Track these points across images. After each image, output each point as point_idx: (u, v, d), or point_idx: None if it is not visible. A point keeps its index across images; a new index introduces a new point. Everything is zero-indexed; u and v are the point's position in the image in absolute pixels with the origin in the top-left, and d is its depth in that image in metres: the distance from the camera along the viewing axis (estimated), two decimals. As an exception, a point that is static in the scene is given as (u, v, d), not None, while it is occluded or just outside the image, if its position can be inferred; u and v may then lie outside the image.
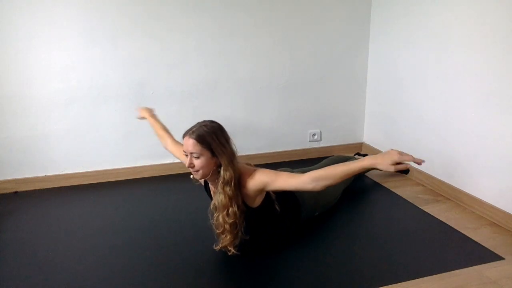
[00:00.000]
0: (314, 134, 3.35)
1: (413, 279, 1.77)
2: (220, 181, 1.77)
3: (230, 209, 1.79)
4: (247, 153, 3.22)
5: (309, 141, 3.37)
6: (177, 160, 3.06)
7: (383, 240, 2.10)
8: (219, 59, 2.97)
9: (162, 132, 2.26)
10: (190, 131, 1.77)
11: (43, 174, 2.83)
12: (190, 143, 1.74)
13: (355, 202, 2.54)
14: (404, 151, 2.91)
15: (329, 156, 2.97)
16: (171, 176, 3.03)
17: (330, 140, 3.41)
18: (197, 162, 1.76)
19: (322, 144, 3.40)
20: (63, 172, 2.87)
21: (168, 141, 2.20)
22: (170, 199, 2.67)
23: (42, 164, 2.82)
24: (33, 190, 2.81)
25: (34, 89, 2.68)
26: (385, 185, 2.78)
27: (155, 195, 2.73)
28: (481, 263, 1.87)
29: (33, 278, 1.84)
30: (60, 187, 2.85)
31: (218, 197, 1.79)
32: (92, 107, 2.82)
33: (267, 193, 1.89)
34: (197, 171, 1.79)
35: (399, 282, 1.76)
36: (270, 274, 1.85)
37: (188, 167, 1.78)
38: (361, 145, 3.49)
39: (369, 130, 3.43)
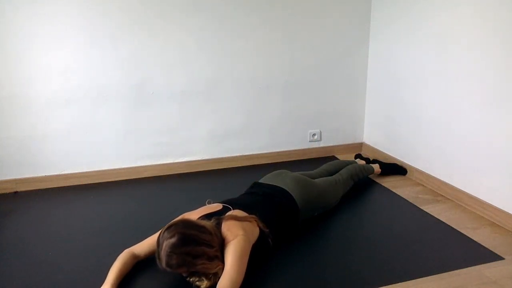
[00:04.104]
0: (314, 134, 3.35)
1: (413, 279, 1.78)
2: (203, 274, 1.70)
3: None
4: (247, 153, 3.23)
5: (309, 141, 3.37)
6: (177, 160, 3.09)
7: (383, 240, 2.10)
8: (220, 59, 2.97)
9: (130, 260, 1.84)
10: (162, 263, 1.64)
11: (43, 174, 2.84)
12: (172, 271, 1.67)
13: (354, 202, 2.54)
14: (404, 151, 2.95)
15: (329, 160, 2.96)
16: (171, 176, 3.04)
17: (330, 140, 3.41)
18: (192, 270, 1.69)
19: (322, 144, 3.40)
20: (63, 172, 2.87)
21: (140, 251, 1.87)
22: (170, 199, 2.67)
23: (42, 164, 2.82)
24: (33, 190, 2.81)
25: (34, 89, 2.68)
26: (385, 185, 2.78)
27: (155, 195, 2.73)
28: (481, 263, 1.87)
29: (33, 278, 1.84)
30: (60, 187, 2.85)
31: (200, 283, 1.71)
32: (92, 107, 2.82)
33: (261, 231, 1.87)
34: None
35: (399, 282, 1.76)
36: (269, 274, 1.85)
37: (189, 276, 1.74)
38: (361, 145, 3.49)
39: (369, 130, 3.43)
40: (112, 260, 1.79)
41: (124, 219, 2.40)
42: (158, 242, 1.67)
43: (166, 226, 1.69)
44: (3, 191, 2.77)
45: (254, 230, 1.85)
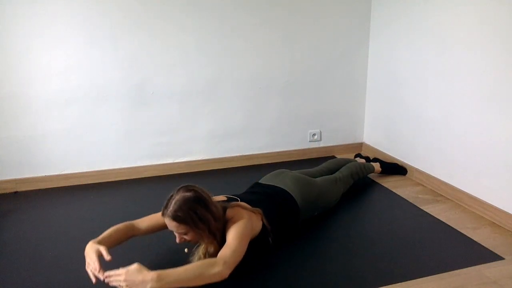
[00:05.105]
0: (314, 134, 3.35)
1: (413, 279, 1.78)
2: (203, 248, 1.72)
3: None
4: (247, 153, 3.23)
5: (309, 141, 3.37)
6: (177, 160, 3.09)
7: (383, 240, 2.10)
8: (220, 59, 2.97)
9: (125, 229, 1.85)
10: (168, 211, 1.66)
11: (43, 174, 2.84)
12: (173, 225, 1.67)
13: (355, 202, 2.54)
14: (404, 151, 2.95)
15: (329, 159, 2.95)
16: (171, 176, 3.04)
17: (330, 140, 3.41)
18: (187, 237, 1.71)
19: (322, 144, 3.40)
20: (63, 172, 2.87)
21: (140, 225, 1.87)
22: (170, 199, 2.66)
23: (42, 164, 2.82)
24: (33, 190, 2.81)
25: (34, 89, 2.68)
26: (385, 185, 2.78)
27: (155, 195, 2.73)
28: (481, 263, 1.87)
29: (33, 278, 1.84)
30: (60, 187, 2.85)
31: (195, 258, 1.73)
32: (92, 107, 2.82)
33: (263, 225, 1.88)
34: (191, 240, 1.75)
35: (399, 282, 1.76)
36: (269, 273, 1.85)
37: (181, 242, 1.74)
38: (361, 145, 3.49)
39: (369, 130, 3.43)
40: (111, 259, 1.79)
41: (124, 219, 2.37)
42: (171, 195, 1.69)
43: (184, 185, 1.73)
44: (3, 191, 2.77)
45: (257, 222, 1.86)
